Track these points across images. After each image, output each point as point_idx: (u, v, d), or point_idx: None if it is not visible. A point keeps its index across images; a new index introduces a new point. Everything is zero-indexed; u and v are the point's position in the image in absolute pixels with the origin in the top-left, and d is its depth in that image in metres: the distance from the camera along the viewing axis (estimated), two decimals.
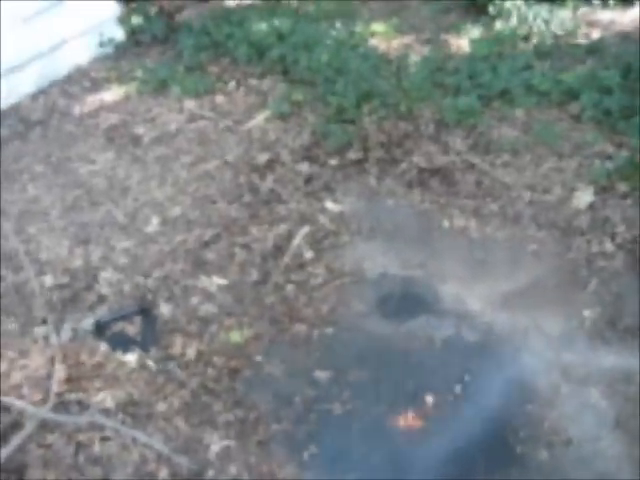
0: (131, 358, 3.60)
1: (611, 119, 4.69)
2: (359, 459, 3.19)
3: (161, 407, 3.41)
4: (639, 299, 3.69)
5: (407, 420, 3.32)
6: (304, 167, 4.60)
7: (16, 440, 3.16)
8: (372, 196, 4.42)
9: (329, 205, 4.37)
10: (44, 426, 3.22)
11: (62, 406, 3.33)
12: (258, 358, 3.61)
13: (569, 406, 3.33)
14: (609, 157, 4.44)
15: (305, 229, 4.18)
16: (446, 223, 4.19)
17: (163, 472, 3.16)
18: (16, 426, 3.21)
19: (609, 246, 3.93)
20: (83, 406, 3.36)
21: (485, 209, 4.23)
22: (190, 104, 5.36)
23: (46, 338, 3.67)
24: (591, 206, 4.14)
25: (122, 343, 3.67)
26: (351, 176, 4.52)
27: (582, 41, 5.42)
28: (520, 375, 3.47)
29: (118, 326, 3.76)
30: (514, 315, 3.72)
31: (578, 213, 4.12)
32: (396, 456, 3.20)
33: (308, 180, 4.51)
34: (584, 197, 4.17)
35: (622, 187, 4.22)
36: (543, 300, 3.78)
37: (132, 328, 3.76)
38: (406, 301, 3.86)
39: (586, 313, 3.68)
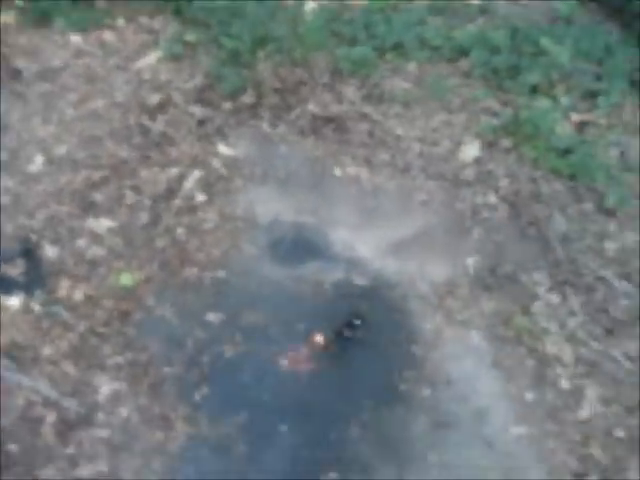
0: (14, 302, 3.47)
1: (498, 77, 4.83)
2: (250, 399, 3.24)
3: (47, 351, 3.32)
4: (518, 248, 3.91)
5: (297, 361, 3.39)
6: (197, 110, 4.49)
7: None
8: (265, 142, 4.39)
9: (222, 149, 4.31)
10: None
11: None
12: (149, 301, 3.56)
13: (451, 348, 3.51)
14: (495, 114, 4.61)
15: (197, 172, 4.12)
16: (338, 171, 4.23)
17: (51, 416, 3.10)
18: None
19: (493, 198, 4.10)
20: None
21: (376, 159, 4.30)
22: (76, 39, 5.07)
23: None
24: (477, 160, 4.30)
25: (4, 286, 3.52)
26: (245, 121, 4.47)
27: (475, 1, 5.54)
28: (406, 319, 3.62)
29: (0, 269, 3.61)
30: (402, 262, 3.85)
31: (465, 166, 4.26)
32: (285, 396, 3.27)
33: (201, 123, 4.41)
34: (471, 151, 4.32)
35: (506, 143, 4.39)
36: (430, 248, 3.92)
37: (15, 270, 3.60)
38: (297, 246, 3.90)
39: (469, 261, 3.85)
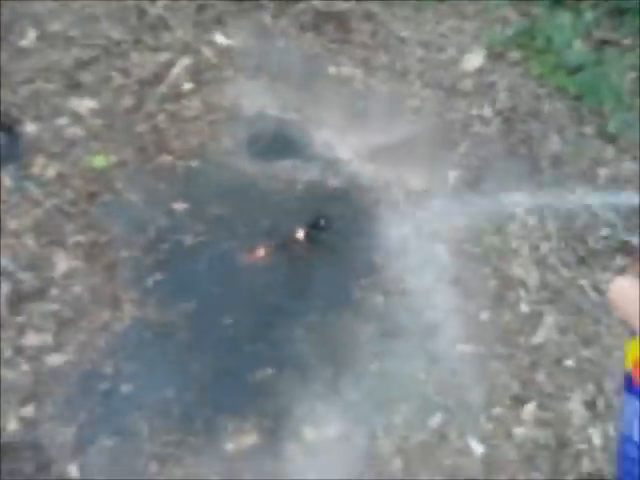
0: None
1: None
2: (201, 289, 3.26)
3: (12, 224, 3.37)
4: (504, 166, 3.75)
5: (255, 256, 3.38)
6: None
7: None
8: (264, 34, 4.24)
9: (218, 38, 4.19)
10: None
11: None
12: (118, 185, 3.56)
13: (413, 259, 3.44)
14: (510, 24, 4.33)
15: (187, 59, 4.03)
16: (333, 70, 4.09)
17: (6, 287, 3.18)
18: None
19: (488, 111, 3.92)
20: None
21: (375, 61, 4.12)
22: None
23: None
24: (479, 70, 4.08)
25: None
26: (246, 11, 4.31)
27: None
28: (374, 225, 3.54)
29: None
30: (381, 167, 3.74)
31: (465, 75, 4.06)
32: (236, 289, 3.28)
33: (200, 10, 4.28)
34: (474, 60, 4.10)
35: (514, 55, 4.15)
36: (412, 157, 3.80)
37: None
38: (277, 143, 3.82)
39: (451, 174, 3.72)
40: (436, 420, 2.98)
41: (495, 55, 4.15)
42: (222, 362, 3.06)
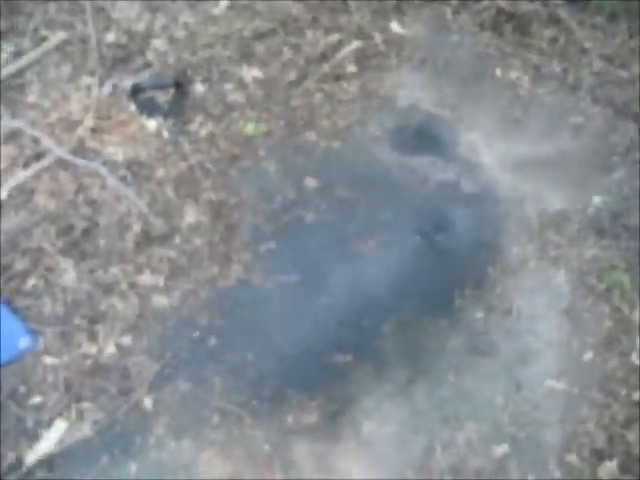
0: (152, 124, 3.85)
1: None
2: (308, 264, 3.35)
3: (159, 173, 3.68)
4: None
5: (366, 245, 3.39)
6: None
7: (35, 167, 3.60)
8: (440, 28, 4.19)
9: (393, 26, 4.20)
10: (60, 163, 3.60)
11: (80, 150, 3.68)
12: (261, 153, 3.74)
13: (528, 281, 3.26)
14: None
15: (357, 43, 4.10)
16: (500, 72, 3.94)
17: (137, 227, 3.48)
18: (39, 157, 3.61)
19: None
20: (97, 154, 3.71)
21: (547, 69, 3.92)
22: None
23: (89, 88, 3.99)
24: None
25: (150, 109, 3.90)
26: (428, 4, 4.28)
27: None
28: (497, 237, 3.41)
29: (152, 93, 3.99)
30: (521, 180, 3.58)
31: None
32: (339, 272, 3.32)
33: None
34: None
35: None
36: (558, 175, 3.61)
37: (164, 97, 3.97)
38: (423, 138, 3.78)
39: (595, 200, 3.46)
40: (501, 450, 2.82)
41: None
42: (307, 339, 3.13)
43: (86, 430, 2.88)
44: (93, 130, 3.80)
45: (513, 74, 3.93)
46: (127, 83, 4.00)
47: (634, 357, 2.99)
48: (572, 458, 2.79)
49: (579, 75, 3.86)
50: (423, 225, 3.43)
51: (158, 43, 4.17)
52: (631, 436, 2.82)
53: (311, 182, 3.63)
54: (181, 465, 2.81)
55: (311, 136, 3.80)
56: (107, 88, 3.99)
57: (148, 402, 2.97)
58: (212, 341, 3.13)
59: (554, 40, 4.02)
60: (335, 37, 4.15)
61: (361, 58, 4.07)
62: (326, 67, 4.03)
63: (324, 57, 4.09)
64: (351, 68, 4.04)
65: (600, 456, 2.79)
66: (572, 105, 3.78)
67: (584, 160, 3.60)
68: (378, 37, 4.15)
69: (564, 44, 3.99)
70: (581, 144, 3.65)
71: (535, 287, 3.23)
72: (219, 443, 2.87)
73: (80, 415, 2.91)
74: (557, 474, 2.77)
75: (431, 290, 3.26)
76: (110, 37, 4.22)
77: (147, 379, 3.04)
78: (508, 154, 3.66)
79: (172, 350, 3.10)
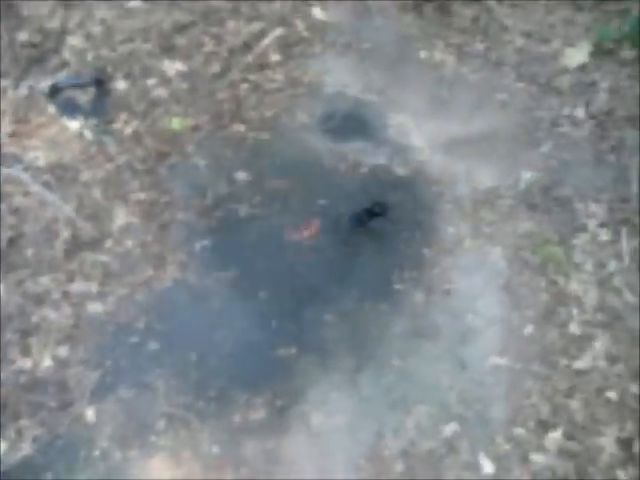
0: (74, 125, 3.72)
1: None
2: (244, 259, 3.30)
3: (85, 175, 3.56)
4: (585, 173, 3.47)
5: (300, 234, 3.36)
6: None
7: None
8: (362, 12, 4.16)
9: (316, 12, 4.16)
10: None
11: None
12: (189, 148, 3.66)
13: (465, 259, 3.28)
14: (630, 18, 3.95)
15: (279, 31, 4.04)
16: (425, 54, 3.94)
17: (66, 233, 3.37)
18: None
19: (581, 113, 3.64)
20: (17, 160, 3.57)
21: (470, 48, 3.94)
22: None
23: (4, 91, 3.82)
24: (581, 67, 3.79)
25: (70, 109, 3.76)
26: None
27: None
28: (431, 218, 3.41)
29: (72, 93, 3.85)
30: (452, 160, 3.59)
31: (564, 72, 3.79)
32: (277, 263, 3.28)
33: None
34: (577, 55, 3.80)
35: (626, 54, 3.80)
36: (488, 152, 3.61)
37: (84, 97, 3.83)
38: (351, 123, 3.76)
39: (525, 175, 3.50)
40: (450, 429, 2.84)
41: (603, 52, 3.82)
42: (248, 335, 3.09)
43: (26, 449, 2.78)
44: (11, 135, 3.67)
45: (437, 55, 3.93)
46: (44, 84, 3.85)
47: (572, 327, 3.05)
48: (519, 431, 2.83)
49: (502, 53, 3.90)
50: (357, 211, 3.40)
51: (74, 40, 4.03)
52: (574, 404, 2.88)
53: (242, 175, 3.57)
54: (130, 475, 2.74)
55: (239, 128, 3.73)
56: (23, 90, 3.85)
57: (90, 414, 2.89)
58: (152, 345, 3.06)
59: (475, 19, 4.04)
60: (257, 26, 4.08)
61: (284, 46, 4.02)
62: (250, 57, 3.97)
63: (247, 47, 4.01)
64: (275, 57, 3.98)
65: (545, 426, 2.84)
66: (497, 82, 3.81)
67: (512, 136, 3.64)
68: (300, 24, 4.10)
69: (485, 23, 4.02)
70: (508, 120, 3.69)
71: (472, 265, 3.26)
72: (167, 448, 2.81)
73: (19, 433, 2.81)
74: (505, 447, 2.81)
75: (370, 275, 3.26)
76: (22, 36, 4.06)
77: (87, 390, 2.95)
78: (437, 134, 3.68)
79: (111, 358, 3.02)
